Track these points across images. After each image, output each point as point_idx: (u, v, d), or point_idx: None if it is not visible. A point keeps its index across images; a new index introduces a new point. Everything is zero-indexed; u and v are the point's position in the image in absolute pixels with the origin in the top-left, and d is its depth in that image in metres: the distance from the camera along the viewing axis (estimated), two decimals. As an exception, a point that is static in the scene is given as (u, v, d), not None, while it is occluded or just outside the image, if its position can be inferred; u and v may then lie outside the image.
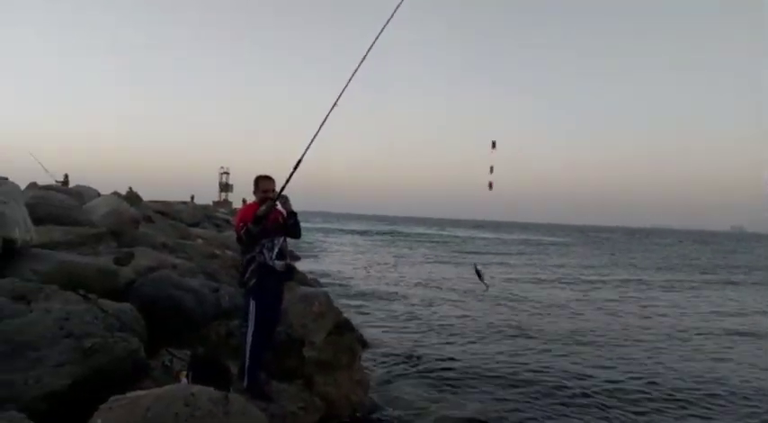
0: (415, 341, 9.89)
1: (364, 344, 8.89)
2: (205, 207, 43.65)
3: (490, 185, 5.70)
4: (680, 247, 66.46)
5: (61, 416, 3.53)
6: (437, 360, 8.54)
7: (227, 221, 28.71)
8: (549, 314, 13.54)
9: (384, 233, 68.19)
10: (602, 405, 6.84)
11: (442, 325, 11.60)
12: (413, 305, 14.18)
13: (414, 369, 8.03)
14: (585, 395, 7.14)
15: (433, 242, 51.66)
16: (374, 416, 6.01)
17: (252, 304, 4.69)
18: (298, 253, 26.78)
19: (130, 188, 24.99)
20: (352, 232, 65.53)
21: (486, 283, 6.06)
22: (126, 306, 4.92)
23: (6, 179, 7.21)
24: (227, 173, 58.73)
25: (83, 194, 13.85)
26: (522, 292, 17.55)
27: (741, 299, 18.45)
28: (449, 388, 7.22)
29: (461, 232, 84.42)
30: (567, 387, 7.40)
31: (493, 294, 16.57)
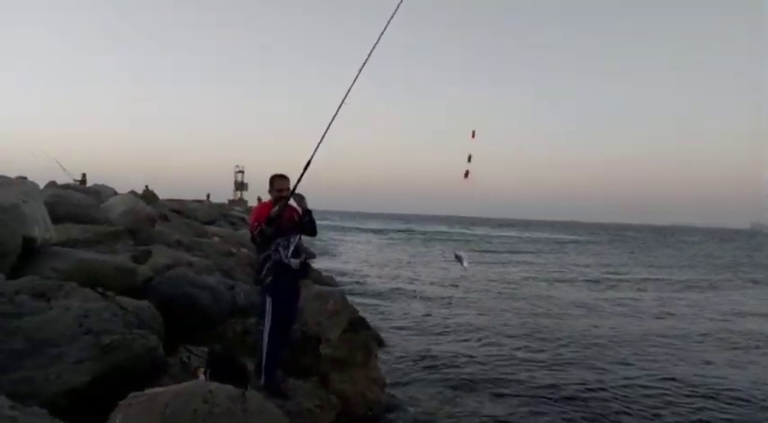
0: (432, 340, 9.86)
1: (380, 343, 8.89)
2: (220, 205, 43.91)
3: (466, 174, 5.67)
4: (706, 245, 65.43)
5: (81, 412, 3.56)
6: (453, 360, 8.50)
7: (243, 220, 28.85)
8: (569, 314, 13.36)
9: (400, 231, 68.07)
10: (621, 411, 6.74)
11: (459, 324, 11.56)
12: (429, 304, 14.14)
13: (429, 368, 8.01)
14: (603, 399, 7.03)
15: (451, 240, 51.37)
16: (390, 415, 6.00)
17: (268, 302, 4.70)
18: (313, 251, 26.86)
19: (147, 187, 25.28)
20: (368, 231, 65.51)
21: (464, 267, 6.09)
22: (144, 303, 4.95)
23: (26, 178, 7.32)
24: (242, 171, 59.09)
25: (100, 193, 14.01)
26: (540, 290, 17.42)
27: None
28: (464, 388, 7.19)
29: (480, 230, 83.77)
30: (584, 390, 7.30)
31: (511, 293, 16.46)
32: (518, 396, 6.98)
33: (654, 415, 6.56)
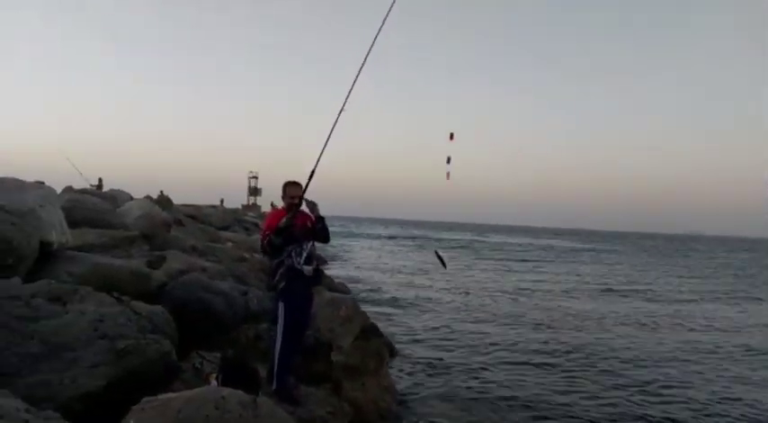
0: (444, 350, 9.78)
1: (392, 351, 8.84)
2: (234, 211, 44.21)
3: (447, 176, 5.73)
4: (728, 254, 64.05)
5: (95, 416, 3.59)
6: (466, 370, 8.42)
7: (256, 225, 28.98)
8: (586, 326, 12.98)
9: (414, 238, 67.85)
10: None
11: (472, 332, 11.46)
12: (442, 312, 14.03)
13: (442, 378, 7.95)
14: (620, 414, 6.92)
15: (464, 248, 50.94)
16: (401, 424, 5.97)
17: (281, 307, 4.71)
18: (325, 258, 26.86)
19: (162, 192, 25.46)
20: (379, 237, 65.40)
21: (444, 264, 6.14)
22: (158, 308, 4.98)
23: (43, 183, 7.41)
24: (255, 177, 59.39)
25: (116, 198, 14.14)
26: (557, 301, 17.05)
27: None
28: (477, 399, 7.11)
29: (496, 238, 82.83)
30: (598, 406, 7.13)
31: (526, 303, 16.30)
32: (530, 408, 6.90)
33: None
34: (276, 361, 4.67)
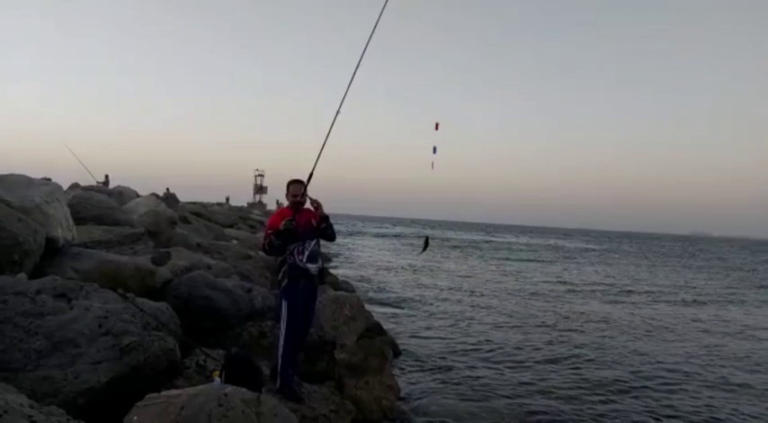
0: (449, 349, 9.71)
1: (397, 351, 8.82)
2: (240, 208, 44.38)
3: (431, 165, 5.76)
4: (741, 255, 63.15)
5: (99, 412, 3.61)
6: (471, 370, 8.36)
7: (261, 223, 29.04)
8: (594, 330, 12.61)
9: (419, 237, 67.69)
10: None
11: (479, 333, 11.39)
12: (447, 312, 13.93)
13: (446, 378, 7.89)
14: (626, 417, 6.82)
15: (471, 247, 50.73)
16: (404, 423, 5.95)
17: (284, 305, 4.72)
18: (329, 256, 26.83)
19: (168, 189, 25.59)
20: (386, 236, 65.27)
21: (423, 251, 6.17)
22: (162, 305, 5.00)
23: (50, 180, 7.45)
24: (261, 175, 59.58)
25: (123, 195, 14.20)
26: (567, 302, 16.81)
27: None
28: (481, 400, 7.05)
29: (501, 237, 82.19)
30: (605, 412, 6.98)
31: (534, 303, 16.20)
32: (534, 409, 6.84)
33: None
34: (279, 359, 4.68)
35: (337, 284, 13.29)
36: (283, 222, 4.63)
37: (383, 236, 64.25)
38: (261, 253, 11.72)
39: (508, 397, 7.23)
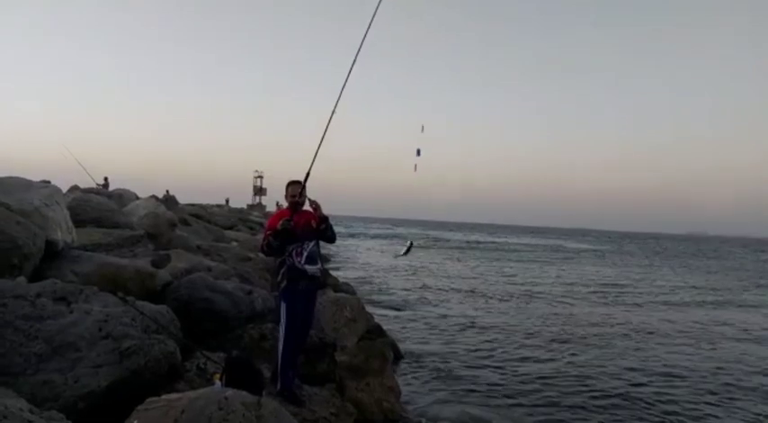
0: (451, 352, 9.66)
1: (398, 353, 8.78)
2: (239, 210, 44.39)
3: (415, 167, 5.79)
4: (746, 255, 62.77)
5: (98, 416, 3.60)
6: (472, 373, 8.32)
7: (261, 224, 29.03)
8: (597, 333, 12.26)
9: (419, 238, 67.53)
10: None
11: (480, 334, 11.33)
12: (449, 314, 13.87)
13: (448, 381, 7.86)
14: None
15: (472, 248, 50.50)
16: (405, 426, 5.92)
17: (283, 307, 4.71)
18: (330, 258, 26.78)
19: (167, 191, 25.58)
20: (387, 237, 65.09)
21: (404, 254, 6.18)
22: (162, 308, 4.99)
23: (49, 182, 7.45)
24: (260, 176, 59.64)
25: (122, 197, 14.20)
26: (566, 305, 16.64)
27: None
28: (483, 404, 7.01)
29: (501, 238, 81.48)
30: (607, 416, 6.93)
31: (539, 305, 16.10)
32: (536, 413, 6.80)
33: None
34: (279, 361, 4.66)
35: (338, 286, 13.27)
36: (280, 222, 4.63)
37: (384, 237, 64.09)
38: (261, 255, 11.71)
39: (509, 399, 7.21)
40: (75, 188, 15.31)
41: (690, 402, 7.51)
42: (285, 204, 5.09)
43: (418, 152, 5.74)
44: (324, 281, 5.16)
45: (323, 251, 5.27)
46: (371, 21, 5.46)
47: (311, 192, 4.87)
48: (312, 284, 4.86)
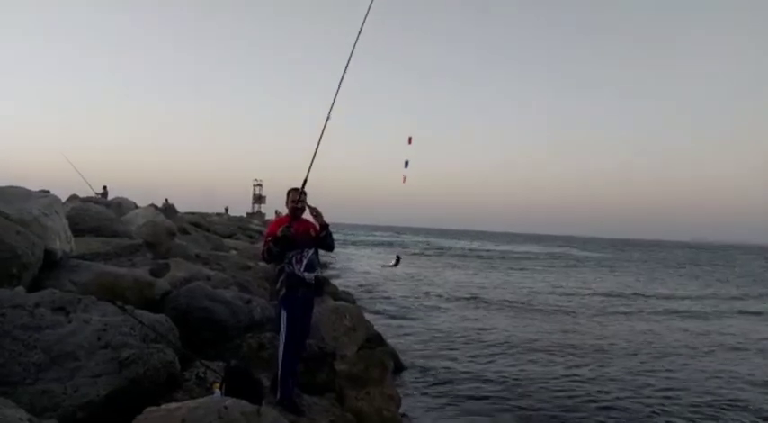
0: (452, 361, 9.60)
1: (398, 361, 8.71)
2: (239, 219, 44.42)
3: (403, 179, 5.79)
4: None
5: (97, 426, 3.59)
6: (473, 382, 8.27)
7: (260, 233, 29.01)
8: (600, 346, 11.91)
9: (420, 245, 67.42)
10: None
11: (481, 343, 11.27)
12: (450, 322, 13.79)
13: (448, 390, 7.83)
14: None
15: (473, 257, 50.13)
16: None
17: (283, 315, 4.70)
18: (330, 265, 26.73)
19: (166, 200, 25.60)
20: (386, 245, 65.02)
21: (393, 265, 6.18)
22: (161, 317, 4.98)
23: (48, 192, 7.45)
24: (260, 185, 59.70)
25: (121, 206, 14.20)
26: (568, 314, 16.47)
27: None
28: (483, 414, 6.98)
29: (503, 246, 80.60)
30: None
31: (537, 315, 16.00)
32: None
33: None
34: (279, 370, 4.65)
35: (337, 294, 13.26)
36: (280, 229, 4.64)
37: (385, 245, 63.92)
38: (260, 263, 11.71)
39: (510, 411, 7.14)
40: (74, 197, 15.30)
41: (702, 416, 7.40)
42: (284, 212, 5.10)
43: (406, 164, 5.75)
44: (322, 288, 5.14)
45: (322, 259, 5.28)
46: (361, 26, 5.48)
47: (313, 199, 4.89)
48: (310, 292, 4.86)
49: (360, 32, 5.45)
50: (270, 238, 4.72)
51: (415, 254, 48.48)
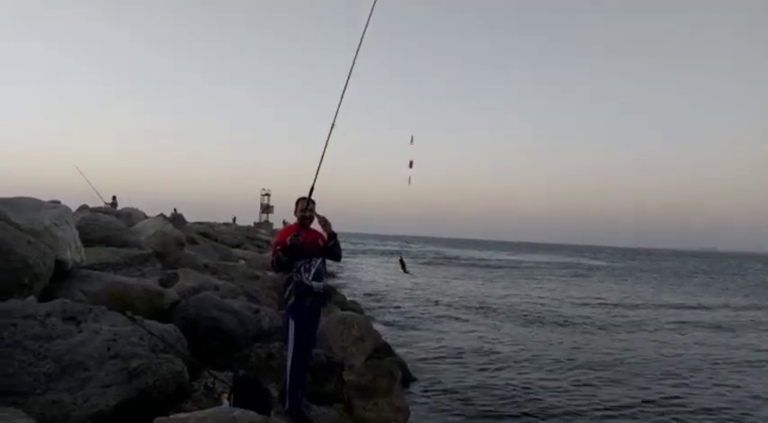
0: (461, 371, 9.49)
1: (406, 372, 8.65)
2: (247, 228, 44.51)
3: (409, 180, 5.71)
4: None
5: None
6: (481, 393, 8.17)
7: (268, 242, 29.05)
8: (611, 361, 11.45)
9: (428, 254, 67.16)
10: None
11: (490, 354, 11.14)
12: (459, 332, 13.66)
13: (456, 401, 7.74)
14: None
15: (483, 266, 49.70)
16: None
17: (291, 324, 4.70)
18: (337, 275, 26.66)
19: (175, 210, 25.75)
20: (393, 253, 64.71)
21: (407, 272, 6.09)
22: (170, 327, 5.00)
23: (59, 202, 7.52)
24: (267, 194, 59.81)
25: (131, 216, 14.30)
26: (579, 324, 16.16)
27: None
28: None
29: (517, 256, 79.88)
30: None
31: (552, 324, 15.81)
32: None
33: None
34: (288, 380, 4.64)
35: (345, 304, 13.24)
36: (289, 238, 4.65)
37: (393, 253, 63.53)
38: (268, 273, 11.73)
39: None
40: (84, 208, 15.44)
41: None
42: (291, 222, 5.12)
43: (411, 164, 5.69)
44: (329, 297, 5.14)
45: (329, 269, 5.28)
46: (363, 33, 5.49)
47: (321, 208, 4.89)
48: (317, 301, 4.87)
49: (362, 37, 5.45)
50: (279, 247, 4.73)
51: (423, 263, 48.27)
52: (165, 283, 7.40)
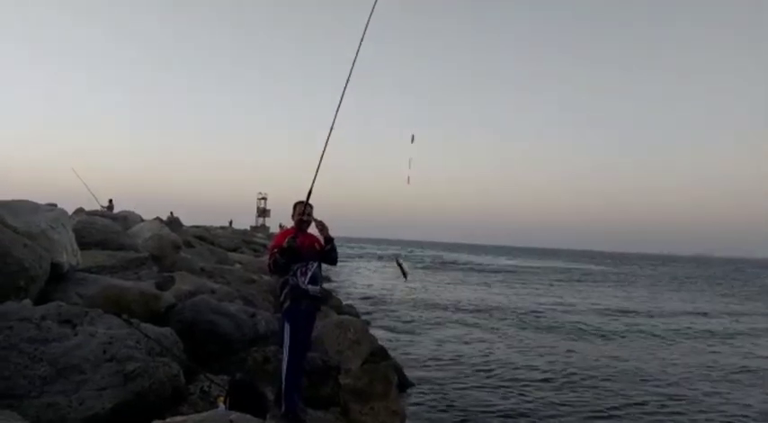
0: (457, 375, 9.50)
1: (402, 376, 8.62)
2: (243, 232, 44.44)
3: (408, 180, 5.70)
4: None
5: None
6: (478, 397, 8.17)
7: (265, 246, 29.00)
8: (613, 368, 11.26)
9: (426, 259, 67.09)
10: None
11: (486, 357, 11.15)
12: (456, 337, 13.63)
13: (453, 405, 7.73)
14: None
15: (477, 271, 49.60)
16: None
17: (286, 328, 4.70)
18: (334, 279, 26.63)
19: (171, 213, 25.69)
20: (391, 258, 64.53)
21: (405, 273, 6.06)
22: (166, 330, 5.00)
23: (55, 205, 7.50)
24: (264, 198, 59.83)
25: (127, 219, 14.27)
26: (576, 330, 16.05)
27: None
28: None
29: (515, 261, 79.75)
30: None
31: (548, 331, 15.75)
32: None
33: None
34: (284, 383, 4.64)
35: (341, 308, 13.23)
36: (286, 240, 4.66)
37: (391, 258, 63.33)
38: (265, 277, 11.72)
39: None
40: (80, 211, 15.40)
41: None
42: (288, 226, 5.12)
43: (410, 163, 5.68)
44: (325, 301, 5.14)
45: (326, 273, 5.28)
46: (363, 35, 5.50)
47: (318, 212, 4.90)
48: (313, 305, 4.87)
49: (361, 38, 5.46)
50: (276, 250, 4.73)
51: (421, 267, 48.21)
52: (161, 286, 7.39)
